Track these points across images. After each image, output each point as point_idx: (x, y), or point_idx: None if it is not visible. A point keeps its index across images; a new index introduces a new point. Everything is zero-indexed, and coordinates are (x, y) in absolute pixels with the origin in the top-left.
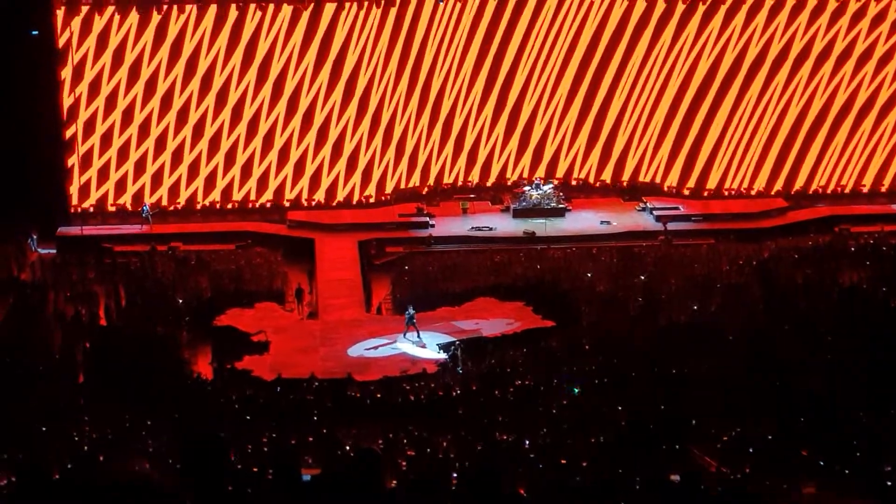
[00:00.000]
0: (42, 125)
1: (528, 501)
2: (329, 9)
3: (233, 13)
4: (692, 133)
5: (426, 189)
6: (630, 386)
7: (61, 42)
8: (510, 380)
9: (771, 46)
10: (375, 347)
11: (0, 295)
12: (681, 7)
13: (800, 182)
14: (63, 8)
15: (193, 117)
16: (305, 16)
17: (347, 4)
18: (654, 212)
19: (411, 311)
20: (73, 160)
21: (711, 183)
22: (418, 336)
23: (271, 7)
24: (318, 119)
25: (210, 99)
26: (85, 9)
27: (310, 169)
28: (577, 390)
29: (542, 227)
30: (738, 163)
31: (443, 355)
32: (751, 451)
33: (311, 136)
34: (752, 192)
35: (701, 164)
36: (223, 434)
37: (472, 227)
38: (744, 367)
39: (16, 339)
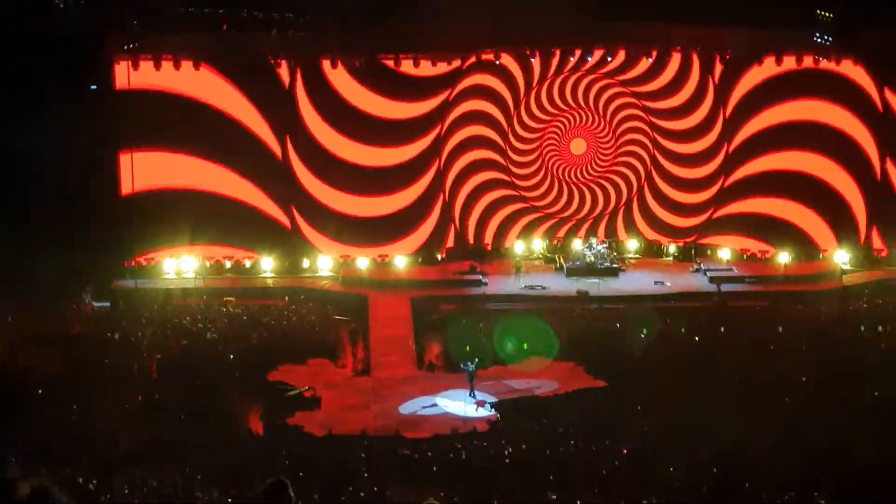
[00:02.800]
0: (99, 180)
1: None
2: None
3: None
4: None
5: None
6: (683, 448)
7: (120, 95)
8: (562, 440)
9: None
10: (431, 405)
11: (54, 348)
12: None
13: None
14: (123, 62)
15: (250, 170)
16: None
17: (422, 61)
18: (708, 273)
19: (471, 366)
20: (129, 213)
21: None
22: (473, 393)
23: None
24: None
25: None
26: (144, 63)
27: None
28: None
29: (596, 286)
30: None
31: (493, 413)
32: None
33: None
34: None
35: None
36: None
37: (525, 286)
38: (798, 431)
39: (68, 392)
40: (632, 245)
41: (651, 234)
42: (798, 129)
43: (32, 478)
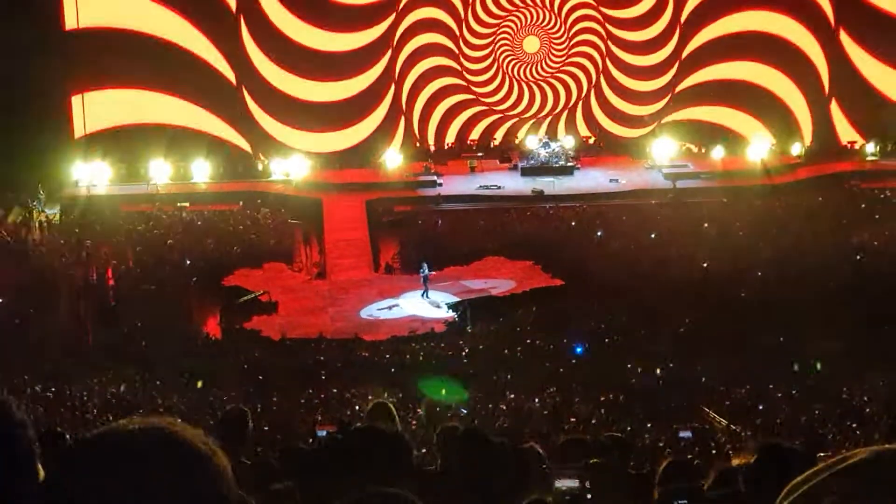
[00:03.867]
0: (48, 86)
1: (543, 458)
2: None
3: None
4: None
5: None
6: (639, 344)
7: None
8: (519, 339)
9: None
10: (389, 308)
11: (8, 256)
12: None
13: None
14: None
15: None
16: None
17: None
18: (663, 170)
19: (425, 269)
20: (80, 119)
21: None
22: (425, 294)
23: None
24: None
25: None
26: None
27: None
28: (580, 350)
29: (551, 185)
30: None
31: (451, 314)
32: (760, 408)
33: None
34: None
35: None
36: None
37: (480, 186)
38: (755, 324)
39: (24, 300)
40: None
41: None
42: (750, 39)
43: None
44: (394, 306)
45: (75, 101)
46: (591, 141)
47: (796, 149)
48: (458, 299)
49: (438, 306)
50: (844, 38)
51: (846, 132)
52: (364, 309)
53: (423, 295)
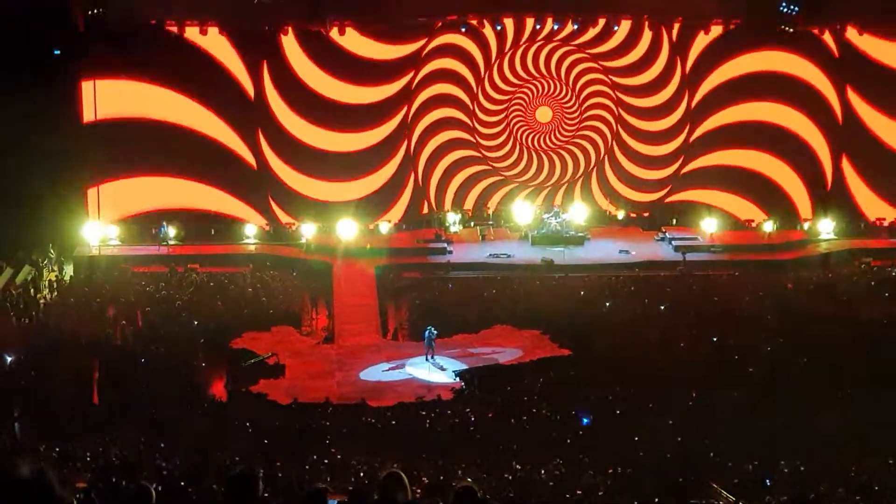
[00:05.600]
0: (61, 145)
1: None
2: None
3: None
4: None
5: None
6: (647, 417)
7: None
8: (526, 408)
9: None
10: (391, 370)
11: (17, 316)
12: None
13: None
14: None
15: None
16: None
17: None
18: (673, 242)
19: (433, 331)
20: (92, 179)
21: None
22: (432, 358)
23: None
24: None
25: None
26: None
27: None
28: (586, 420)
29: (561, 255)
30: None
31: (458, 381)
32: (768, 483)
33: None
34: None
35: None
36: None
37: (490, 255)
38: (763, 399)
39: (32, 360)
40: (582, 214)
41: (605, 204)
42: (756, 129)
43: (30, 458)
44: (398, 368)
45: (91, 192)
46: (611, 212)
47: (802, 226)
48: (465, 366)
49: (443, 368)
50: (855, 98)
51: (877, 209)
52: (365, 372)
53: (426, 359)
